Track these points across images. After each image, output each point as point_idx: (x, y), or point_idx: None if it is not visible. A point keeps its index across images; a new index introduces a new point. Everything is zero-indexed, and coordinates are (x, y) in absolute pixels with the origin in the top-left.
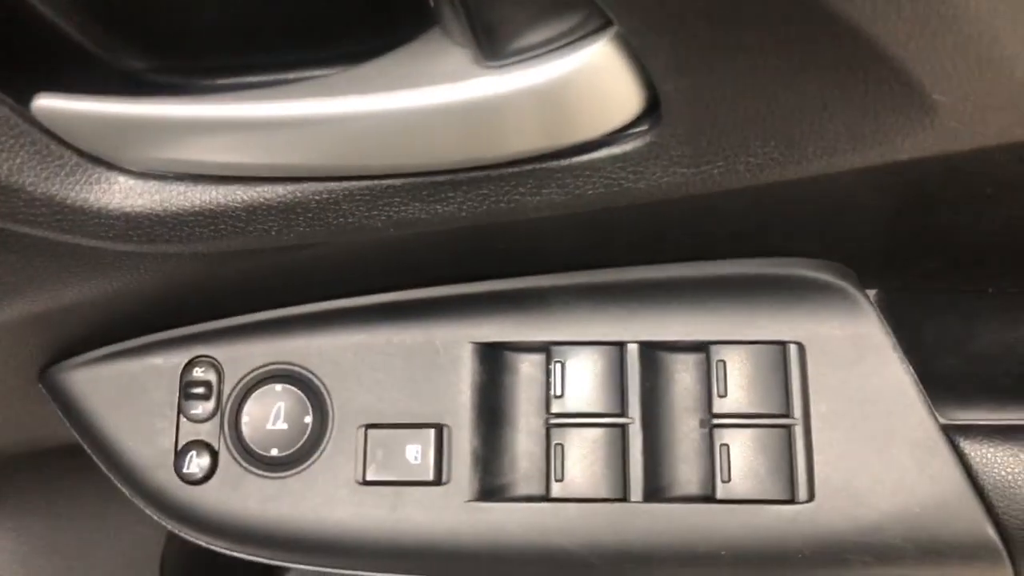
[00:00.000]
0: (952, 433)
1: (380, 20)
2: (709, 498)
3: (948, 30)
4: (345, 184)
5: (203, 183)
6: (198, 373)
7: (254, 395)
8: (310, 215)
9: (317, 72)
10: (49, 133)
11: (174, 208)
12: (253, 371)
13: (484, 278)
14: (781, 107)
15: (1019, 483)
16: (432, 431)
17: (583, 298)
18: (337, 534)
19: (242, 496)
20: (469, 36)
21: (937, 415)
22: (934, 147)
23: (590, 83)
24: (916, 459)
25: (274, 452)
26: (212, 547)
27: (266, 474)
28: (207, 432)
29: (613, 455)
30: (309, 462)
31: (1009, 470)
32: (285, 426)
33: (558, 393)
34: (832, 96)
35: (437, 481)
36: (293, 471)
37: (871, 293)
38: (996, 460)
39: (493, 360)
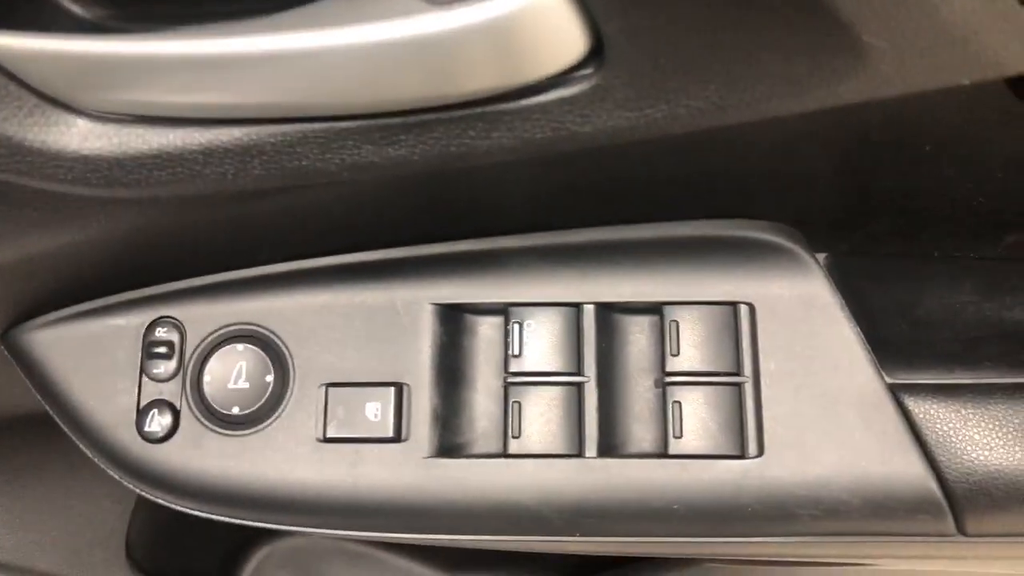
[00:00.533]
0: (898, 391)
1: None
2: (662, 454)
3: None
4: (299, 126)
5: (160, 126)
6: (161, 333)
7: (216, 355)
8: (265, 158)
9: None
10: (7, 73)
11: (132, 151)
12: (215, 331)
13: (443, 239)
14: (720, 50)
15: (961, 439)
16: (392, 389)
17: (540, 260)
18: (298, 491)
19: (203, 454)
20: None
21: (884, 374)
22: (868, 92)
23: (535, 21)
24: (862, 416)
25: (235, 411)
26: (173, 506)
27: (227, 432)
28: (169, 391)
29: (569, 413)
30: (270, 420)
31: (951, 426)
32: (247, 385)
33: (516, 353)
34: (768, 39)
35: (396, 438)
36: (254, 429)
37: (821, 257)
38: (939, 416)
39: (453, 321)
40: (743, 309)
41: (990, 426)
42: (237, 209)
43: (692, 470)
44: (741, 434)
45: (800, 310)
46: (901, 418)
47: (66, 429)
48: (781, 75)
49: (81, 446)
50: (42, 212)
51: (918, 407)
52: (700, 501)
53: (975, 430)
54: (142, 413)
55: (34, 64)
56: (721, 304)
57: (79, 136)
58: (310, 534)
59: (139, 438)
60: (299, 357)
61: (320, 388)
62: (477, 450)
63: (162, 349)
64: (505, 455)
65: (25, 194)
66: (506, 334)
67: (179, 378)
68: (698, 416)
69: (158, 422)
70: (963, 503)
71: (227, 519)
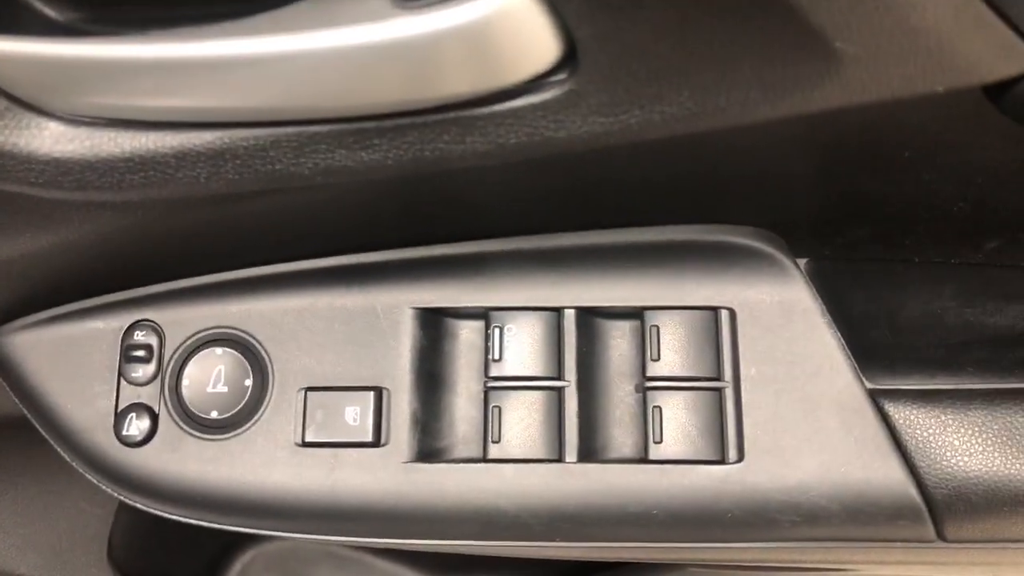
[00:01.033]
0: (878, 397)
1: None
2: (642, 459)
3: None
4: (271, 130)
5: (132, 129)
6: (139, 337)
7: (195, 358)
8: (238, 161)
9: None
10: None
11: (104, 154)
12: (194, 335)
13: (423, 243)
14: (693, 56)
15: (941, 444)
16: (371, 393)
17: (521, 264)
18: (276, 496)
19: (181, 458)
20: None
21: (864, 380)
22: (842, 98)
23: (508, 26)
24: (842, 421)
25: (214, 414)
26: (151, 510)
27: (206, 436)
28: (147, 395)
29: (549, 418)
30: (249, 424)
31: (931, 431)
32: (225, 389)
33: (496, 357)
34: (740, 45)
35: (376, 443)
36: (233, 433)
37: (802, 262)
38: (919, 422)
39: (433, 325)
40: (724, 314)
41: (970, 432)
42: (213, 213)
43: (672, 475)
44: (721, 439)
45: (781, 315)
46: (881, 424)
47: (44, 432)
48: (755, 82)
49: (59, 450)
50: (16, 216)
51: (898, 413)
52: (680, 506)
53: (955, 436)
54: (120, 417)
55: (5, 66)
56: (702, 309)
57: (51, 139)
58: (289, 539)
59: (117, 442)
60: (278, 361)
61: (299, 392)
62: (457, 455)
63: (140, 353)
64: (485, 460)
65: None
66: (487, 338)
67: (157, 382)
68: (678, 421)
69: (136, 426)
70: (942, 509)
71: (205, 523)
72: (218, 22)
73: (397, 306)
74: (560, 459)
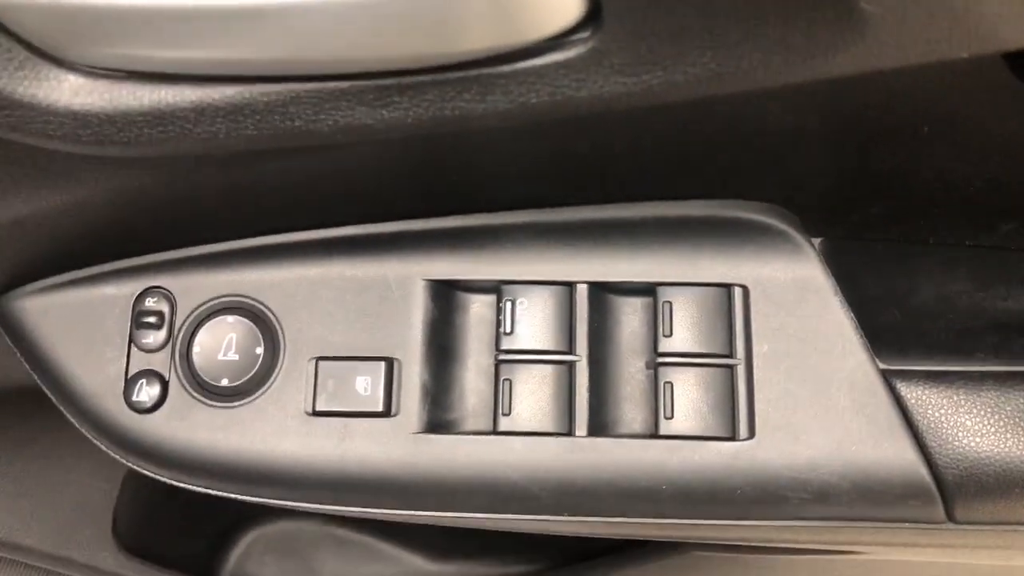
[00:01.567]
0: (890, 377)
1: None
2: (652, 435)
3: None
4: (291, 86)
5: (152, 82)
6: (150, 303)
7: (206, 326)
8: (257, 117)
9: None
10: None
11: (123, 107)
12: (206, 302)
13: (437, 215)
14: (717, 16)
15: (952, 425)
16: (383, 363)
17: (534, 237)
18: (285, 464)
19: (191, 425)
20: None
21: (876, 359)
22: (865, 63)
23: None
24: (854, 400)
25: (224, 382)
26: (159, 477)
27: (216, 404)
28: (158, 362)
29: (560, 391)
30: (259, 393)
31: (943, 412)
32: (236, 357)
33: (508, 330)
34: (766, 5)
35: (386, 412)
36: (243, 401)
37: (816, 241)
38: (931, 402)
39: (445, 297)
40: (737, 291)
41: (982, 413)
42: (228, 176)
43: (682, 451)
44: (732, 416)
45: (794, 293)
46: (893, 403)
47: (53, 398)
48: (779, 43)
49: (68, 415)
50: (32, 170)
51: (910, 392)
52: (689, 482)
53: (967, 417)
54: (130, 383)
55: (26, 16)
56: (715, 286)
57: (70, 91)
58: (296, 508)
59: (126, 408)
60: (289, 330)
61: (310, 361)
62: (466, 427)
63: (152, 319)
64: (495, 432)
65: (14, 151)
66: (498, 311)
67: (168, 349)
68: (689, 397)
69: (146, 392)
70: (953, 490)
71: (213, 492)
72: None
73: (409, 277)
74: (570, 433)
